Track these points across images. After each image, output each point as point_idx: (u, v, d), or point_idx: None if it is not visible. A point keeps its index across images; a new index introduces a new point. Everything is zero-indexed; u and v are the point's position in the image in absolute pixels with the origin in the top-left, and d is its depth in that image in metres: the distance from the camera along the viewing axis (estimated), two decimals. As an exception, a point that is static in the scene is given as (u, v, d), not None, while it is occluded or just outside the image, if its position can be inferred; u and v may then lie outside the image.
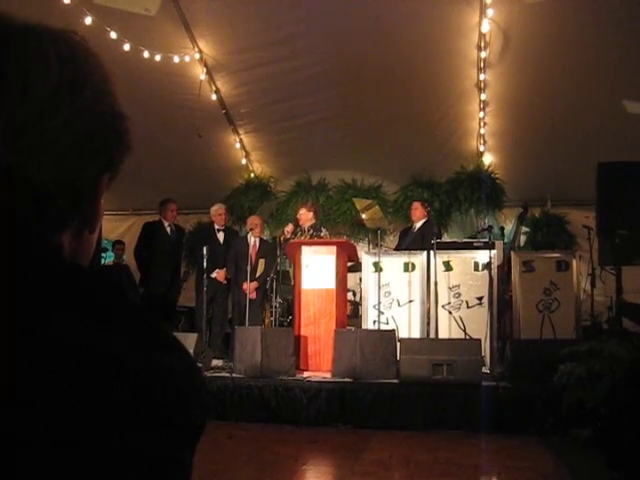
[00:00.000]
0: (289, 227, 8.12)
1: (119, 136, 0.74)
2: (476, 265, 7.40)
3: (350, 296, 8.68)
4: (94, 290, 0.62)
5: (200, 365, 6.53)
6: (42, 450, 0.53)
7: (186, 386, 0.62)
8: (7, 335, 0.54)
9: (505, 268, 7.64)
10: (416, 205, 8.34)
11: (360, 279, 8.11)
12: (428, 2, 7.04)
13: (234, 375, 6.53)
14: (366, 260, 7.74)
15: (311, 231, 8.03)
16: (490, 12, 7.00)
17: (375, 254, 7.67)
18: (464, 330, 7.23)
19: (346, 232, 9.84)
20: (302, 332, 7.17)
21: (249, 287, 7.88)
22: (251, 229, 8.41)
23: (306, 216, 8.09)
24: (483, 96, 8.22)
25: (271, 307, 8.18)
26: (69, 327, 0.57)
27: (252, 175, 10.40)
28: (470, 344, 6.40)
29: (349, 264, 7.88)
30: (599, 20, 6.84)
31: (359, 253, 8.04)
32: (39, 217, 0.66)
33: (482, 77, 7.95)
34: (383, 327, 7.23)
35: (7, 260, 0.59)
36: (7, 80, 0.65)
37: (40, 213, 0.66)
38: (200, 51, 7.99)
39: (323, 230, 8.16)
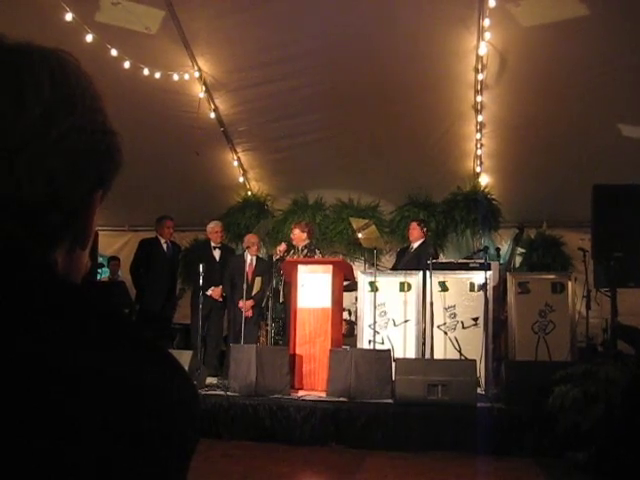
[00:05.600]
0: (282, 246, 8.12)
1: (110, 153, 0.74)
2: (472, 286, 7.41)
3: (345, 315, 8.66)
4: (86, 307, 0.63)
5: (194, 382, 6.49)
6: (37, 463, 0.53)
7: (179, 401, 0.62)
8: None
9: (501, 289, 7.64)
10: (414, 225, 8.36)
11: (356, 298, 8.10)
12: (426, 25, 7.11)
13: (229, 393, 6.50)
14: (362, 279, 7.74)
15: (305, 251, 8.02)
16: (487, 35, 7.06)
17: (371, 274, 7.67)
18: (459, 351, 7.22)
19: (342, 251, 9.84)
20: (297, 351, 7.15)
21: (245, 305, 7.86)
22: (248, 247, 8.41)
23: (300, 236, 8.09)
24: (480, 118, 8.26)
25: (266, 325, 8.16)
26: (60, 344, 0.57)
27: (249, 193, 10.41)
28: (465, 365, 6.38)
29: (345, 283, 7.88)
30: (595, 43, 6.91)
31: (355, 272, 8.04)
32: (32, 235, 0.66)
33: (479, 99, 8.00)
34: (378, 347, 7.21)
35: (2, 279, 0.59)
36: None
37: (33, 231, 0.66)
38: (199, 69, 8.03)
39: (317, 252, 8.16)
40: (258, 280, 8.42)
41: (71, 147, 0.68)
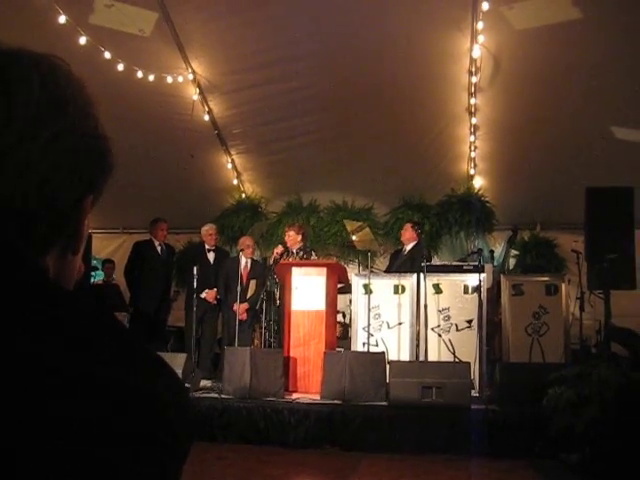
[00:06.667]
0: (279, 248, 8.11)
1: (101, 158, 0.74)
2: (466, 288, 7.41)
3: (340, 318, 8.66)
4: (78, 312, 0.63)
5: (188, 385, 6.48)
6: (28, 466, 0.53)
7: (171, 405, 0.62)
8: None
9: (494, 291, 7.65)
10: (406, 226, 8.36)
11: (350, 301, 8.10)
12: (420, 28, 7.13)
13: (223, 396, 6.49)
14: (356, 282, 7.74)
15: (300, 253, 8.02)
16: (481, 38, 7.08)
17: (365, 276, 7.67)
18: (453, 353, 7.22)
19: (336, 254, 9.83)
20: (291, 353, 7.15)
21: (239, 308, 7.85)
22: (242, 249, 8.40)
23: (294, 238, 8.08)
24: (474, 120, 8.28)
25: (261, 328, 8.15)
26: (55, 347, 0.57)
27: (243, 195, 10.41)
28: (459, 367, 6.39)
29: (339, 286, 7.88)
30: (588, 46, 6.94)
31: (349, 275, 8.04)
32: (23, 240, 0.65)
33: (473, 101, 8.02)
34: (372, 349, 7.20)
35: None
36: None
37: (23, 236, 0.66)
38: (193, 72, 8.03)
39: (313, 254, 8.15)
40: (253, 283, 8.40)
41: (61, 151, 0.68)
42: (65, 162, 0.68)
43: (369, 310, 7.40)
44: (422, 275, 7.30)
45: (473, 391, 6.43)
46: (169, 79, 7.92)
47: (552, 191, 8.66)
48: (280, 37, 7.47)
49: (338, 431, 5.94)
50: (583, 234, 6.47)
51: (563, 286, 7.18)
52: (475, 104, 8.07)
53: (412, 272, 7.57)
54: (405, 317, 7.49)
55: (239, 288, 7.71)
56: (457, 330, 7.33)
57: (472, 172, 9.25)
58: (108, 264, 10.30)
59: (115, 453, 0.56)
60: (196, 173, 9.48)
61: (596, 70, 7.14)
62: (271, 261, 8.18)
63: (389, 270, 8.33)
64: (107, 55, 7.30)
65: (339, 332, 8.38)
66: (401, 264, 8.08)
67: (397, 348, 7.41)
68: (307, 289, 7.30)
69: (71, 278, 0.76)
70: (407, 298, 7.53)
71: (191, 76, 8.05)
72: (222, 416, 6.15)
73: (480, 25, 6.93)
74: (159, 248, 8.76)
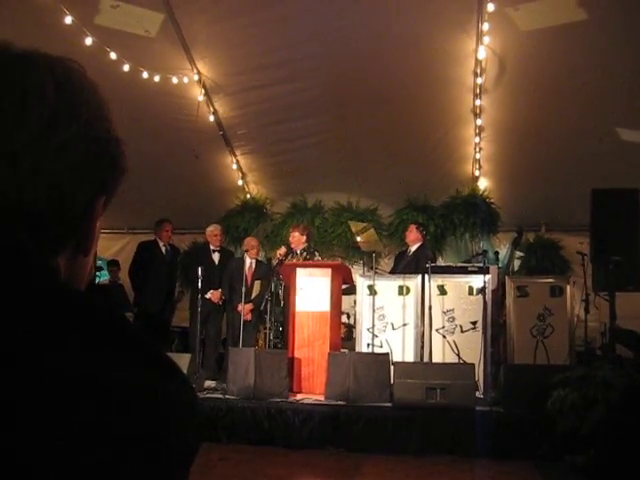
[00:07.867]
0: (282, 250, 8.11)
1: (114, 160, 0.75)
2: (470, 289, 7.40)
3: (344, 319, 8.65)
4: (86, 310, 0.63)
5: (193, 385, 6.49)
6: (29, 467, 0.53)
7: (177, 405, 0.62)
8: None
9: (499, 293, 7.64)
10: (411, 228, 8.36)
11: (354, 302, 8.10)
12: (426, 29, 7.12)
13: (227, 396, 6.49)
14: (361, 283, 7.73)
15: (304, 254, 8.01)
16: (486, 39, 7.07)
17: (370, 277, 7.66)
18: (458, 354, 7.22)
19: (341, 255, 9.84)
20: (296, 354, 7.15)
21: (244, 309, 7.85)
22: (247, 250, 8.40)
23: (299, 239, 8.08)
24: (479, 121, 8.28)
25: (265, 328, 8.15)
26: (60, 347, 0.57)
27: (248, 196, 10.42)
28: (464, 368, 6.38)
29: (344, 287, 7.87)
30: (593, 48, 6.92)
31: (354, 276, 8.03)
32: (34, 241, 0.66)
33: (478, 103, 8.01)
34: (377, 350, 7.20)
35: (4, 283, 0.60)
36: (4, 106, 0.66)
37: (35, 237, 0.66)
38: (199, 72, 8.04)
39: (316, 254, 8.14)
40: (257, 283, 8.41)
41: (74, 153, 0.69)
42: (77, 164, 0.69)
43: (374, 311, 7.40)
44: (427, 276, 7.30)
45: (477, 392, 6.42)
46: (174, 80, 7.94)
47: (557, 192, 8.65)
48: (285, 38, 7.48)
49: (342, 432, 5.94)
50: (588, 236, 6.44)
51: (568, 288, 7.17)
52: (480, 105, 8.06)
53: (417, 273, 7.57)
54: (410, 318, 7.49)
55: (244, 289, 7.71)
56: (462, 331, 7.32)
57: (477, 173, 9.24)
58: (113, 267, 10.30)
59: (116, 454, 0.56)
60: (201, 174, 9.50)
61: (601, 71, 7.13)
62: (275, 262, 8.17)
63: (394, 271, 8.32)
64: (113, 56, 7.31)
65: (343, 333, 8.37)
66: (406, 265, 8.08)
67: (401, 349, 7.40)
68: (312, 290, 7.30)
69: (82, 278, 0.77)
70: (412, 299, 7.52)
71: (196, 77, 8.05)
72: (226, 416, 6.15)
73: (485, 26, 6.92)
74: (164, 248, 8.77)
